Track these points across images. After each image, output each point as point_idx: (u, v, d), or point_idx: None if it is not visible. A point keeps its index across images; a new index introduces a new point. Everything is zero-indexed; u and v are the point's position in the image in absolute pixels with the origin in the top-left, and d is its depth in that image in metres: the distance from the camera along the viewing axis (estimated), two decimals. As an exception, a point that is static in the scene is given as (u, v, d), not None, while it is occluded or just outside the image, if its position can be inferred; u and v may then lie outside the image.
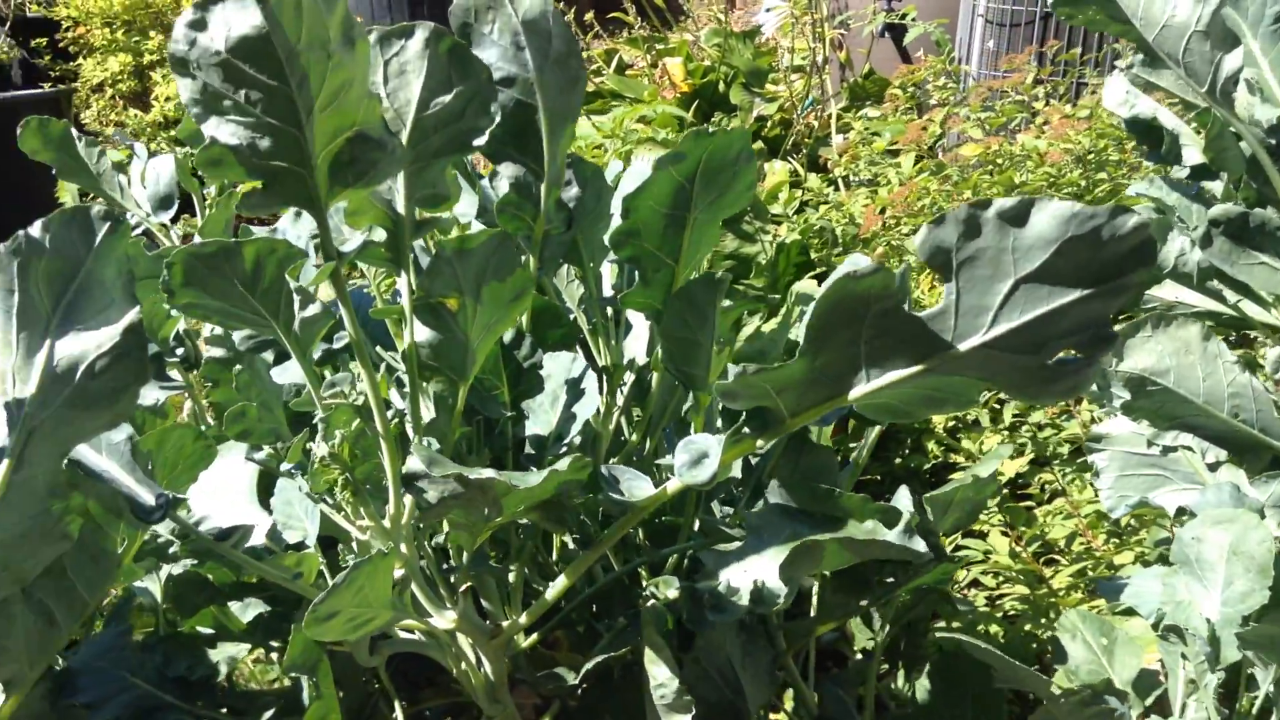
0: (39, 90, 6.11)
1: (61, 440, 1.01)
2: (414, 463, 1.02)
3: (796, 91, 4.49)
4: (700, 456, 1.01)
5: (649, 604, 1.23)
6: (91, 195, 1.74)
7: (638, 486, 1.05)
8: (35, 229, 0.99)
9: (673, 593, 1.21)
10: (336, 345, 1.46)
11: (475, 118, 1.09)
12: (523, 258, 1.26)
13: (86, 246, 1.01)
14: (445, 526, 1.25)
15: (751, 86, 4.78)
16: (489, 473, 0.97)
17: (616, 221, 1.54)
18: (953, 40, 4.81)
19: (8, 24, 5.71)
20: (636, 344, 1.64)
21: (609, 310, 1.57)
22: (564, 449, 1.33)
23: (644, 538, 1.51)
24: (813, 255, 3.03)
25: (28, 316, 0.99)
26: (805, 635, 1.50)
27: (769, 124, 4.69)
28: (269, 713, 1.50)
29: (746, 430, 1.03)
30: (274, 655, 1.62)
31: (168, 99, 5.77)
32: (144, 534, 1.21)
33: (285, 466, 1.34)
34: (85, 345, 1.00)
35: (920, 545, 1.12)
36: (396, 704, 1.29)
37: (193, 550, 1.41)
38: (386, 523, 1.11)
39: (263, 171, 0.95)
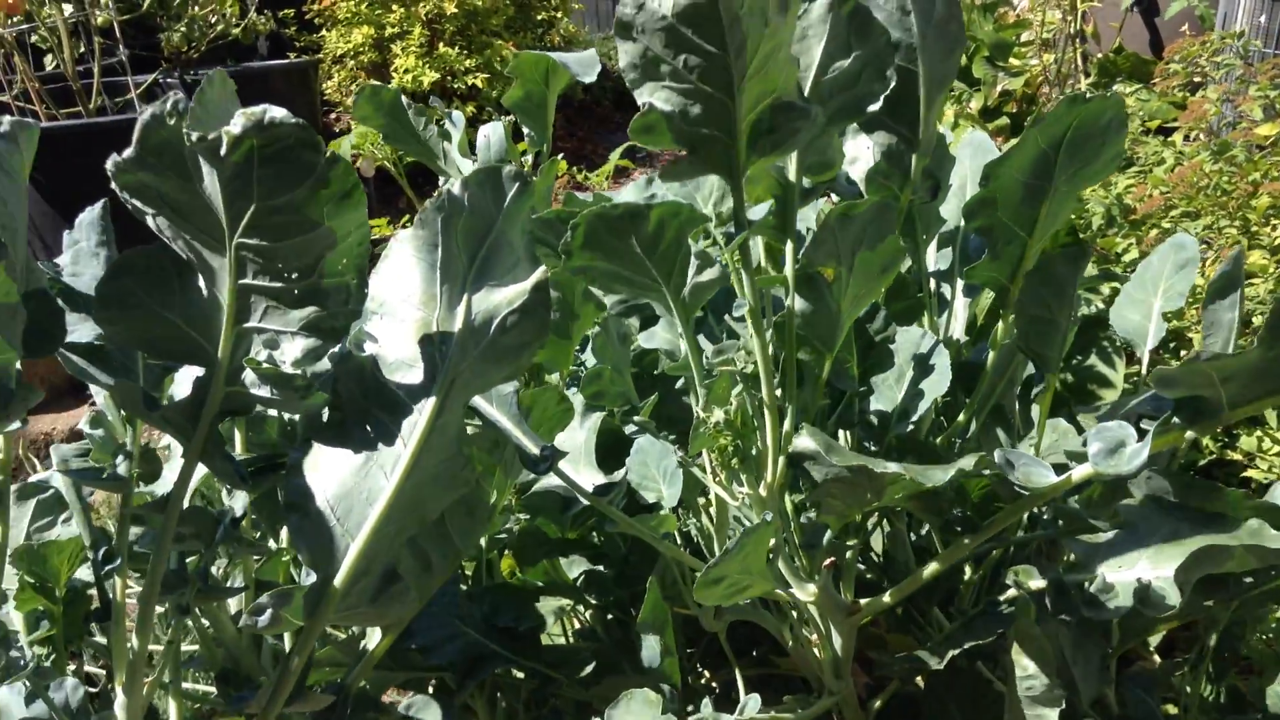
0: (286, 61, 6.44)
1: (474, 389, 1.05)
2: (805, 442, 1.01)
3: (1045, 66, 4.29)
4: (1117, 445, 0.97)
5: (1011, 593, 1.19)
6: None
7: (1037, 473, 1.02)
8: (455, 187, 1.03)
9: (1036, 583, 1.17)
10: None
11: (871, 82, 1.07)
12: (890, 229, 1.24)
13: (498, 205, 1.04)
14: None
15: (995, 60, 4.61)
16: (895, 467, 0.96)
17: (957, 190, 1.50)
18: (1216, 14, 4.50)
19: (259, -2, 6.05)
20: (955, 323, 1.60)
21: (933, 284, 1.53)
22: (909, 427, 1.30)
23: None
24: (1080, 236, 2.90)
25: (449, 271, 1.03)
26: (1142, 633, 1.43)
27: (1013, 99, 4.52)
28: (589, 667, 1.54)
29: (1177, 420, 0.98)
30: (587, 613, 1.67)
31: (406, 71, 6.00)
32: (512, 486, 1.25)
33: (631, 430, 1.36)
34: (498, 300, 1.03)
35: (1324, 551, 1.05)
36: (737, 672, 1.29)
37: (526, 505, 1.46)
38: (763, 491, 1.11)
39: (689, 139, 0.96)
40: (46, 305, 1.04)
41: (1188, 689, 1.54)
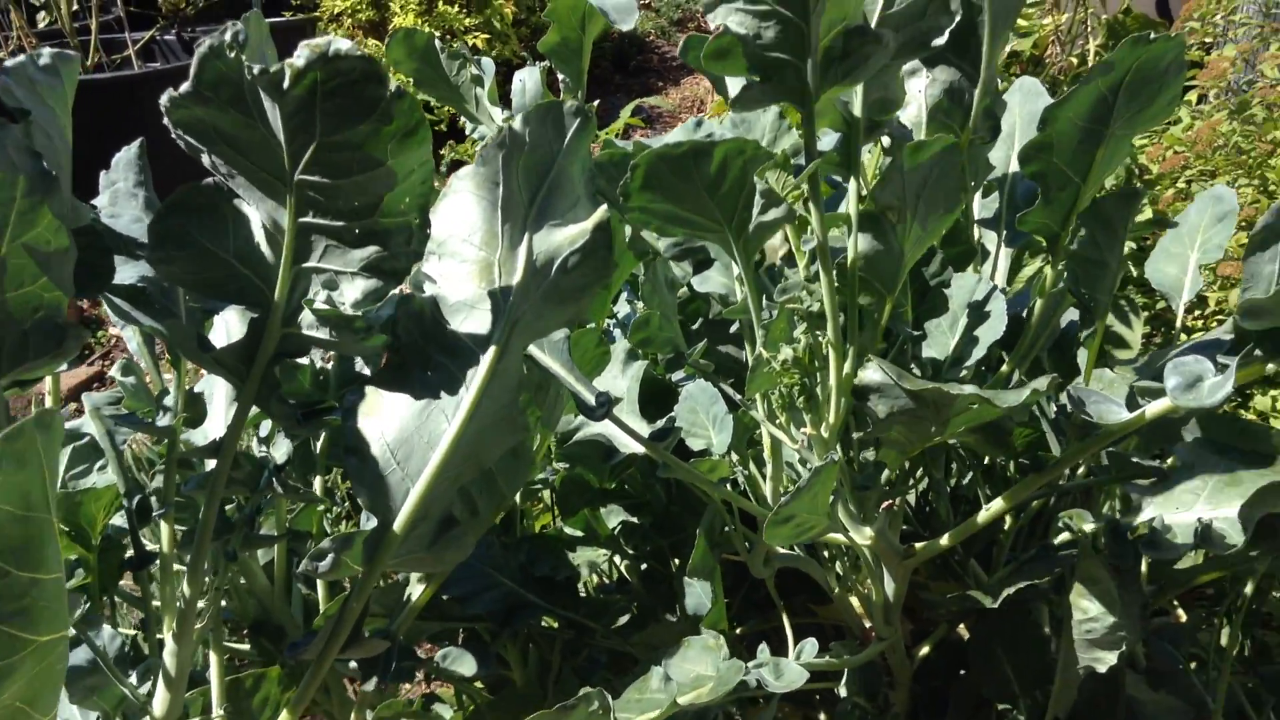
0: (283, 18, 6.36)
1: (534, 333, 1.03)
2: (873, 374, 1.00)
3: (1058, 25, 4.26)
4: (1195, 379, 0.95)
5: (1062, 538, 1.18)
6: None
7: (1109, 410, 1.01)
8: (516, 122, 1.00)
9: (1089, 526, 1.16)
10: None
11: (937, 15, 1.04)
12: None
13: (559, 141, 1.02)
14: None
15: (1003, 20, 4.57)
16: (969, 389, 0.94)
17: (1005, 138, 1.47)
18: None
19: (257, -46, 5.95)
20: (996, 273, 1.58)
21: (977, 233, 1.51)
22: (962, 373, 1.29)
23: (1013, 470, 1.46)
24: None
25: (510, 209, 1.00)
26: (1184, 584, 1.42)
27: (1019, 60, 4.48)
28: (624, 617, 1.53)
29: (1259, 352, 0.97)
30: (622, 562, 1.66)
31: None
32: (551, 434, 1.24)
33: (678, 376, 1.35)
34: (559, 240, 1.01)
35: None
36: (785, 619, 1.29)
37: (567, 455, 1.44)
38: (825, 432, 1.10)
39: (763, 64, 0.94)
40: (96, 243, 1.02)
41: (1214, 643, 1.54)
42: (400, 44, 1.68)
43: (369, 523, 0.99)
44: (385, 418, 1.00)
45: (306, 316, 1.01)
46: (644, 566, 1.59)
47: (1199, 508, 1.09)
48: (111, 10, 5.12)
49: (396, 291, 1.02)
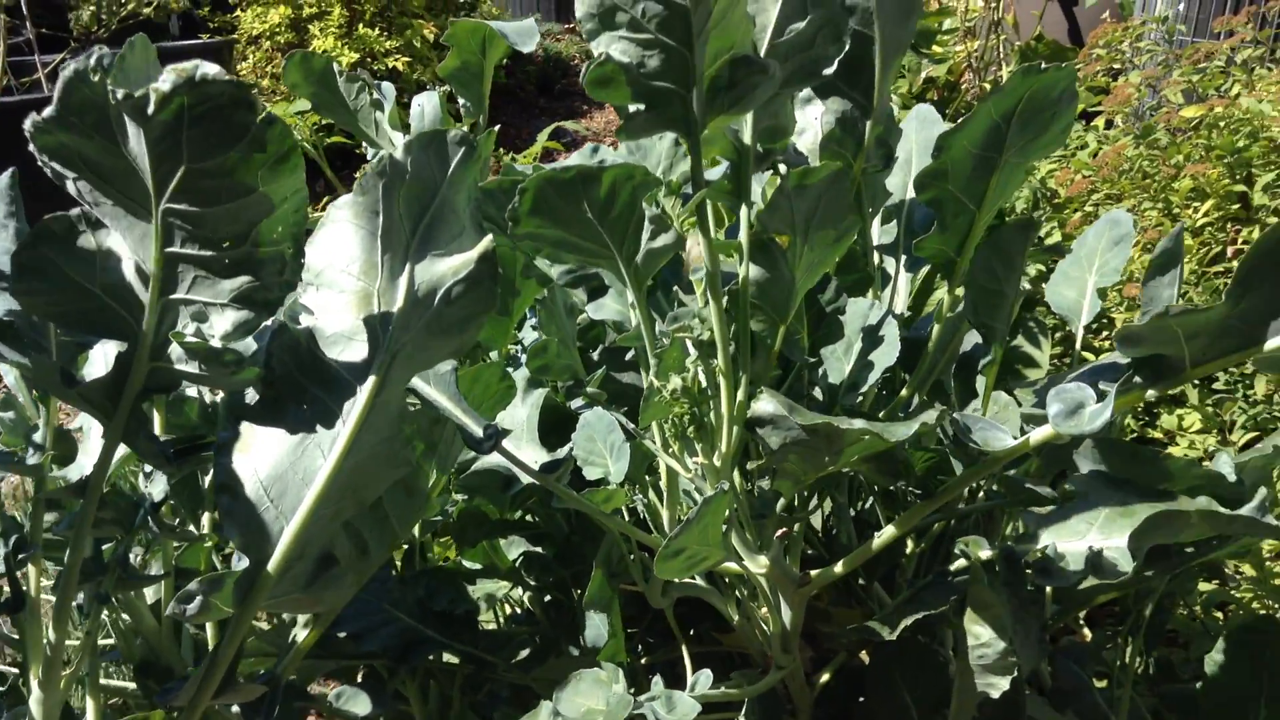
0: (199, 41, 6.25)
1: (417, 365, 1.01)
2: (765, 405, 0.99)
3: (970, 52, 4.34)
4: (1077, 406, 0.96)
5: (959, 564, 1.18)
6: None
7: (995, 437, 1.01)
8: (398, 151, 0.98)
9: (985, 553, 1.16)
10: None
11: (826, 45, 1.04)
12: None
13: (443, 171, 1.00)
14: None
15: (919, 47, 4.65)
16: (859, 424, 0.94)
17: (902, 164, 1.48)
18: (1135, 2, 4.60)
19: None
20: (897, 298, 1.59)
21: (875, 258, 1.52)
22: (858, 399, 1.28)
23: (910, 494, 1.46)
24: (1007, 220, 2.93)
25: (391, 239, 0.98)
26: (1085, 603, 1.44)
27: (936, 86, 4.56)
28: (526, 651, 1.50)
29: (1138, 379, 0.98)
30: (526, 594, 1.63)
31: (324, 52, 5.86)
32: (450, 470, 1.21)
33: (577, 404, 1.33)
34: (442, 270, 0.99)
35: (1276, 523, 1.05)
36: (684, 649, 1.27)
37: (465, 485, 1.41)
38: (717, 461, 1.08)
39: (647, 92, 0.92)
40: (-44, 277, 0.97)
41: (1119, 661, 1.56)
42: (297, 67, 1.64)
43: (240, 563, 0.95)
44: (258, 454, 0.96)
45: (177, 349, 0.97)
46: (548, 598, 1.56)
47: (1091, 536, 1.10)
48: (21, 33, 4.99)
49: (270, 322, 0.99)
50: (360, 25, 6.04)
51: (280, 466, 0.96)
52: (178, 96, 0.82)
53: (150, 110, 0.83)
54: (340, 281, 0.98)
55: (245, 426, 0.98)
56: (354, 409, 0.96)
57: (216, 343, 0.95)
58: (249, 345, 1.00)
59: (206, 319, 0.95)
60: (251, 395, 1.00)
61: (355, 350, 0.97)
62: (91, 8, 5.36)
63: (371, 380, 0.96)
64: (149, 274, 0.94)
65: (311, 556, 1.01)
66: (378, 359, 0.96)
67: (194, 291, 0.94)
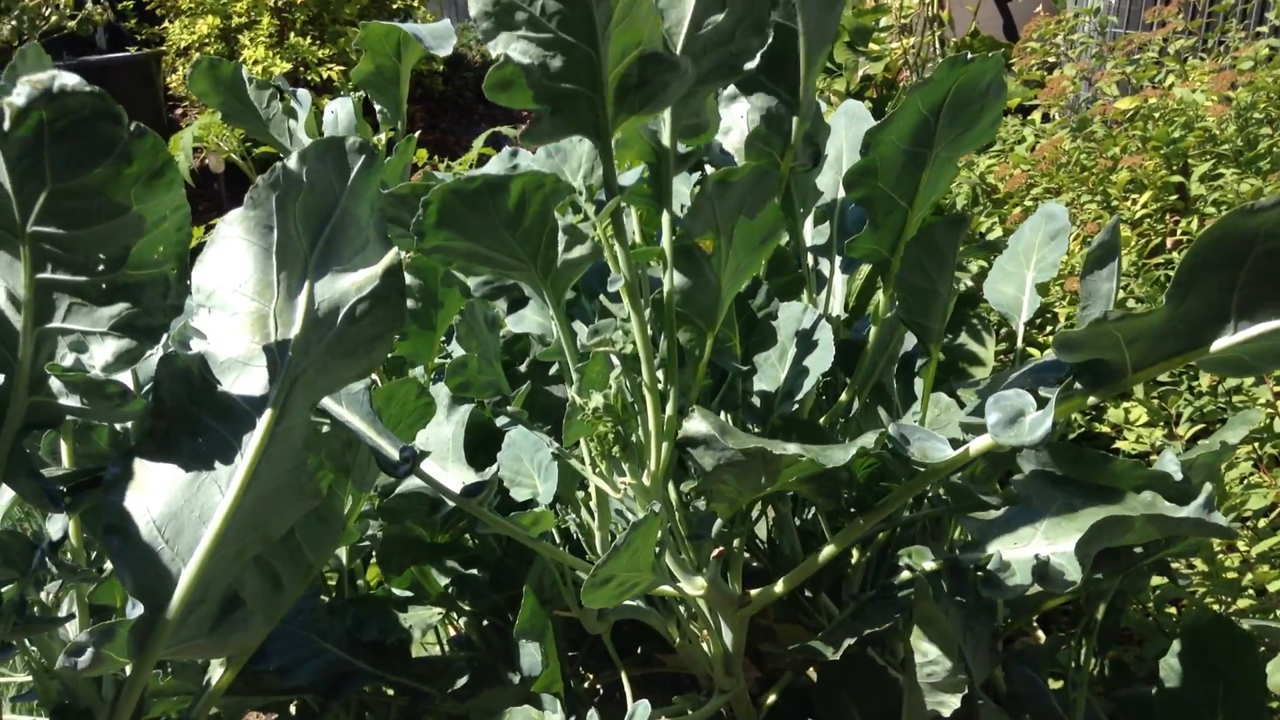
0: (126, 54, 6.10)
1: (319, 389, 0.94)
2: (697, 426, 0.93)
3: (906, 49, 4.33)
4: (1016, 415, 0.92)
5: (904, 576, 1.14)
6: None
7: (934, 448, 0.96)
8: (292, 161, 0.91)
9: (929, 564, 1.12)
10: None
11: (747, 38, 0.99)
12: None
13: (342, 181, 0.93)
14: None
15: (856, 45, 4.63)
16: (794, 448, 0.89)
17: (833, 162, 1.44)
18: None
19: (96, -13, 5.70)
20: (833, 300, 1.54)
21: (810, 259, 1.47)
22: (794, 407, 1.24)
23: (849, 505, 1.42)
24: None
25: (287, 255, 0.91)
26: (1032, 611, 1.40)
27: (873, 84, 4.55)
28: (462, 680, 1.44)
29: (1079, 385, 0.93)
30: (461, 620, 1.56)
31: (256, 62, 5.73)
32: (367, 495, 1.14)
33: (503, 422, 1.27)
34: (345, 287, 0.92)
35: (1222, 521, 1.02)
36: (624, 675, 1.21)
37: (387, 509, 1.34)
38: (646, 480, 1.03)
39: (551, 95, 0.87)
40: None
41: (1073, 663, 1.52)
42: (204, 75, 1.56)
43: (135, 610, 0.88)
44: (150, 492, 0.89)
45: (57, 382, 0.90)
46: (485, 623, 1.49)
47: (1037, 543, 1.06)
48: (-64, 47, 4.84)
49: (160, 349, 0.92)
50: (292, 34, 5.92)
51: (174, 505, 0.90)
52: (35, 111, 0.75)
53: (6, 127, 0.76)
54: (233, 303, 0.91)
55: (136, 462, 0.91)
56: (252, 440, 0.89)
57: (98, 373, 0.88)
58: (148, 369, 0.93)
59: (86, 349, 0.88)
60: (142, 429, 0.92)
61: (252, 377, 0.91)
62: (12, 22, 5.21)
63: (269, 410, 0.89)
64: (21, 303, 0.86)
65: (215, 599, 0.94)
66: (276, 385, 0.90)
67: (70, 320, 0.87)
